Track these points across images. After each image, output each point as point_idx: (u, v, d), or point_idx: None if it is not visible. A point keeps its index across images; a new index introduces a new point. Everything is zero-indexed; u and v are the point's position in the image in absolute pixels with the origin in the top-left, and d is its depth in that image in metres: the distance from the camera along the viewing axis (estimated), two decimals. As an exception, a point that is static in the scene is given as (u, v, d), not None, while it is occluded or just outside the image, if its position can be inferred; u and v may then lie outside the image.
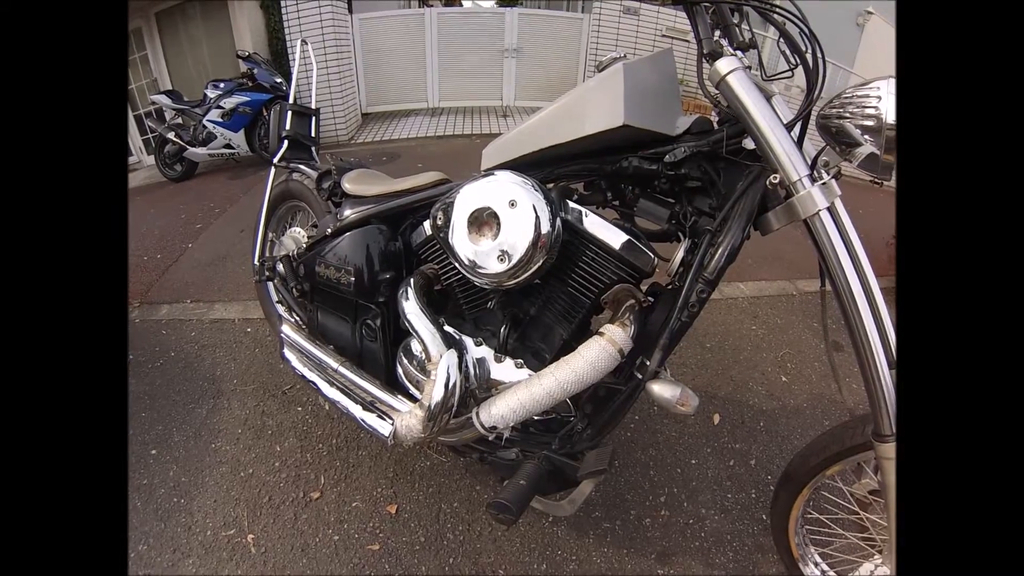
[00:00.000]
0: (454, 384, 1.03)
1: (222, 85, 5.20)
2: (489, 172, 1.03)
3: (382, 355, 1.39)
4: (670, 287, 1.03)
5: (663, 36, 6.13)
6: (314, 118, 2.06)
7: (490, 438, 1.09)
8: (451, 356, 1.04)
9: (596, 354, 0.92)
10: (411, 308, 1.11)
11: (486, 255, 0.97)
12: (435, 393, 1.03)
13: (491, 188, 0.97)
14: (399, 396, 1.25)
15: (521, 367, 1.06)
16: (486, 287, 1.06)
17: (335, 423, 1.96)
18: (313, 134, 2.05)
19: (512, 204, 0.93)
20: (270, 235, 2.11)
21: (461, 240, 1.00)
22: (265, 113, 5.09)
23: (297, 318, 1.73)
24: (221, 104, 5.07)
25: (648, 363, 0.96)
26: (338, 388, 1.36)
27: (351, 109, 6.21)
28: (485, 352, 1.10)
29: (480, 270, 0.99)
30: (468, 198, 0.99)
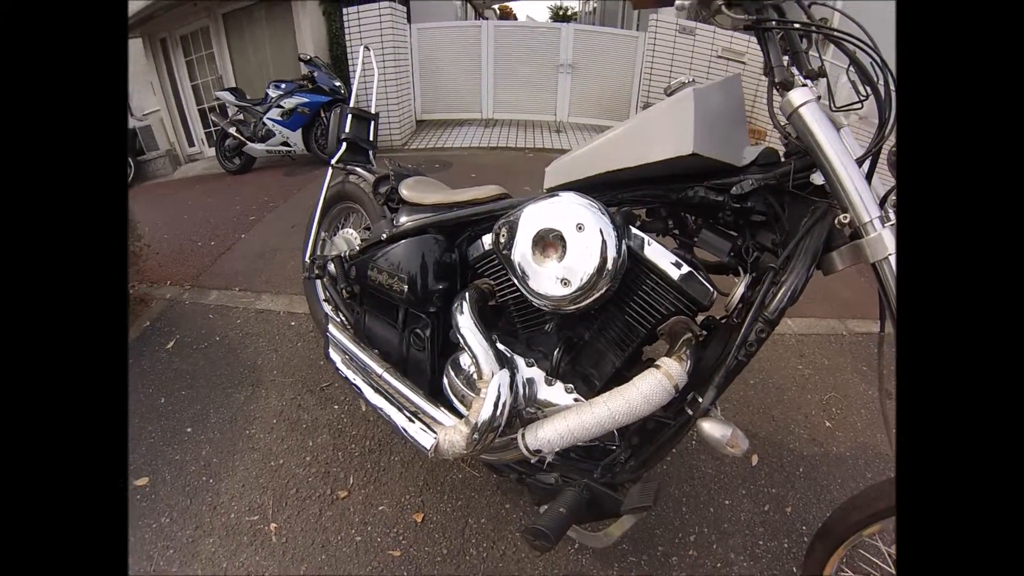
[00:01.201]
0: (504, 404, 1.01)
1: (283, 86, 5.41)
2: (553, 192, 1.01)
3: (428, 365, 1.39)
4: (725, 322, 1.00)
5: (718, 57, 6.04)
6: (373, 122, 2.09)
7: (532, 460, 1.07)
8: (503, 376, 1.02)
9: (651, 387, 0.90)
10: (465, 322, 1.08)
11: (549, 277, 0.95)
12: (483, 411, 1.01)
13: (558, 209, 0.96)
14: (443, 409, 1.23)
15: (571, 392, 1.04)
16: (544, 309, 1.04)
17: (370, 425, 1.97)
18: (371, 138, 2.08)
19: (579, 228, 0.92)
20: (322, 234, 2.15)
21: (524, 260, 0.98)
22: (323, 115, 5.26)
23: (343, 319, 1.75)
24: (281, 104, 5.28)
25: (700, 399, 0.93)
26: (381, 394, 1.36)
27: (406, 115, 6.34)
28: (536, 373, 1.08)
29: (541, 292, 0.97)
30: (534, 217, 0.98)
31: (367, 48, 2.19)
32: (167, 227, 4.41)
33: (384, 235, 1.44)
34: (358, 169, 1.95)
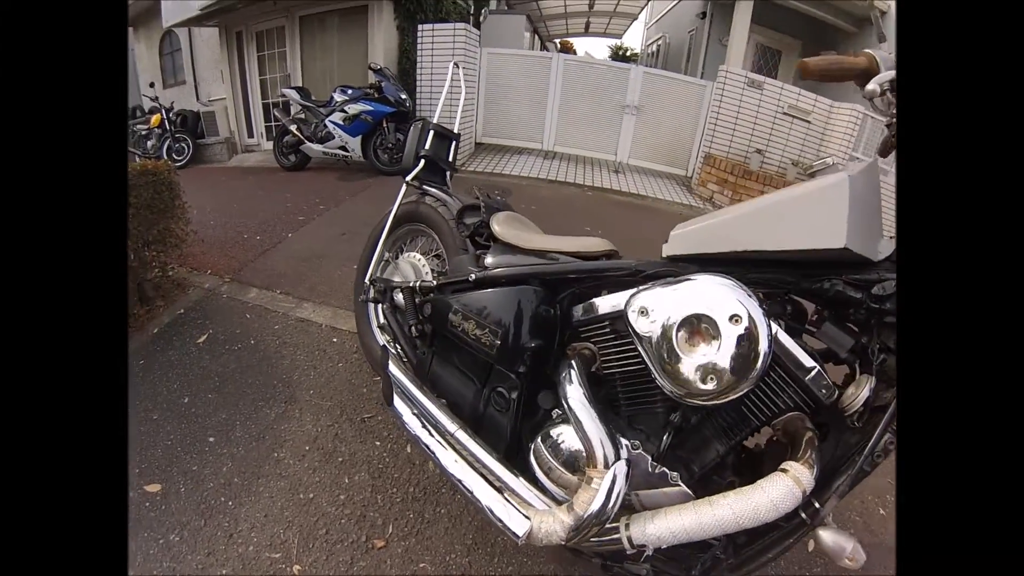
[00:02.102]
0: (618, 497, 0.91)
1: (350, 91, 5.42)
2: (683, 263, 0.99)
3: (509, 430, 1.23)
4: (848, 424, 0.93)
5: (784, 113, 5.93)
6: (454, 143, 1.95)
7: (629, 552, 0.98)
8: (621, 467, 0.93)
9: (780, 494, 0.83)
10: (577, 397, 0.98)
11: (691, 368, 0.88)
12: (594, 503, 0.91)
13: (712, 294, 0.89)
14: (530, 486, 1.09)
15: (676, 482, 0.97)
16: (670, 396, 0.95)
17: (415, 469, 1.75)
18: (451, 159, 1.94)
19: (735, 319, 0.85)
20: (386, 254, 1.97)
21: (666, 344, 0.91)
22: (384, 125, 5.25)
23: (401, 352, 1.56)
24: (345, 108, 5.27)
25: (817, 505, 0.87)
26: (464, 462, 1.17)
27: (467, 136, 6.28)
28: (641, 458, 0.99)
29: (679, 382, 0.89)
30: (685, 300, 0.90)
31: (457, 65, 2.06)
32: (215, 213, 4.33)
33: (472, 276, 1.30)
34: (434, 191, 1.80)
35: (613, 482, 0.91)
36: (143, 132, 7.28)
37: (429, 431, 1.25)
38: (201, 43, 7.95)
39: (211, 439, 1.90)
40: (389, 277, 1.83)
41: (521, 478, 1.11)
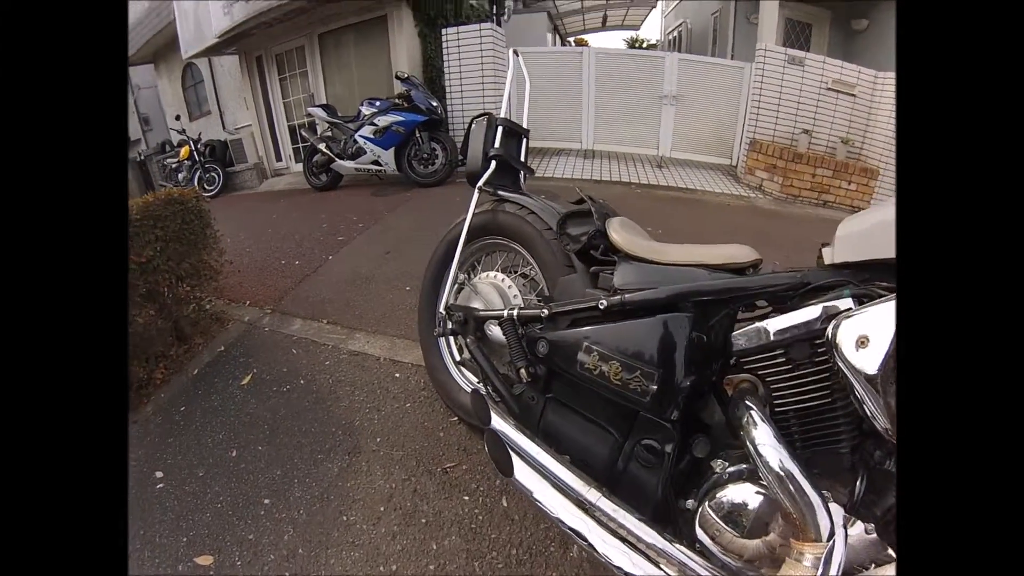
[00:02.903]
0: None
1: (377, 103, 5.21)
2: (856, 271, 0.86)
3: (659, 489, 0.97)
4: None
5: (828, 89, 5.51)
6: (525, 139, 1.66)
7: None
8: (841, 540, 0.76)
9: None
10: (772, 447, 0.80)
11: None
12: None
13: None
14: (698, 559, 0.89)
15: (870, 532, 0.82)
16: (886, 437, 0.79)
17: (515, 526, 1.44)
18: (523, 158, 1.65)
19: None
20: (460, 276, 1.66)
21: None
22: (418, 135, 5.00)
23: (495, 396, 1.26)
24: (375, 121, 5.05)
25: None
26: (615, 538, 0.92)
27: (503, 140, 5.94)
28: (835, 510, 0.81)
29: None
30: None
31: (516, 52, 1.78)
32: (250, 241, 4.14)
33: (602, 302, 1.04)
34: (514, 196, 1.51)
35: (830, 555, 0.74)
36: (173, 165, 7.34)
37: (572, 507, 0.97)
38: (222, 72, 7.95)
39: (266, 501, 1.64)
40: (466, 304, 1.52)
41: (680, 546, 0.91)
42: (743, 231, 3.64)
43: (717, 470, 0.91)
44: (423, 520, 1.49)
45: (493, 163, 1.51)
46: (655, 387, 0.94)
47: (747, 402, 0.87)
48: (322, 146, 5.49)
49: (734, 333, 0.95)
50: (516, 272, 1.56)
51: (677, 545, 0.90)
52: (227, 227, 4.59)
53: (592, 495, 0.97)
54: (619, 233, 1.14)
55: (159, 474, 1.84)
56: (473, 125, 1.59)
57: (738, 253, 1.03)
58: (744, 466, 0.87)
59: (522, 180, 1.66)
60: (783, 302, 0.91)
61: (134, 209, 2.14)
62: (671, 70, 5.88)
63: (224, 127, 8.00)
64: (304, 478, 1.69)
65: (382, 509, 1.54)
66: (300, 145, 7.09)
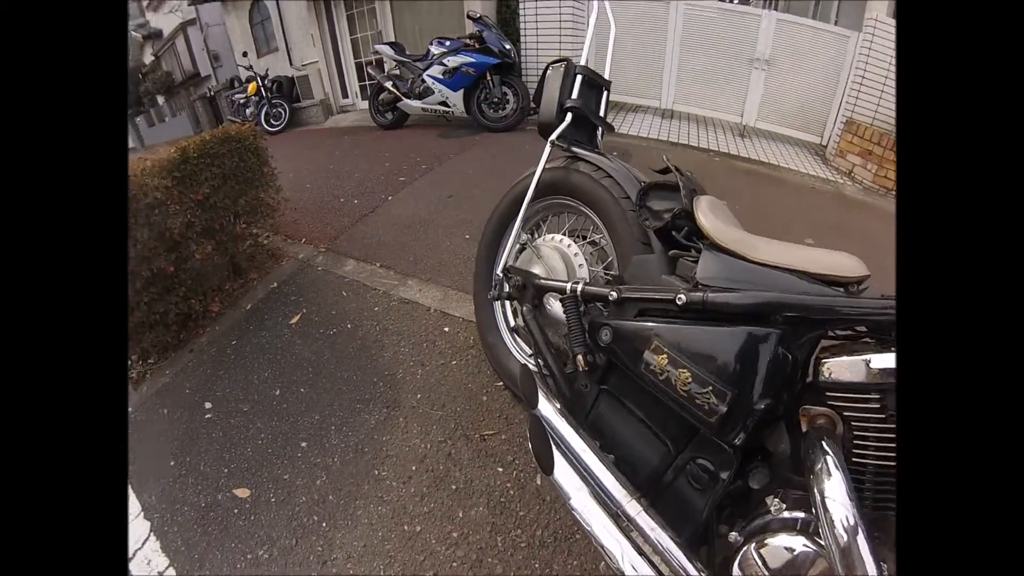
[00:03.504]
0: None
1: (448, 43, 4.99)
2: None
3: (704, 514, 0.87)
4: None
5: None
6: (607, 92, 1.48)
7: None
8: None
9: None
10: (842, 500, 0.67)
11: None
12: None
13: None
14: None
15: None
16: None
17: (544, 507, 1.37)
18: (603, 113, 1.48)
19: None
20: (523, 236, 1.53)
21: None
22: (489, 78, 4.77)
23: (545, 373, 1.15)
24: (444, 61, 4.85)
25: None
26: (644, 560, 0.82)
27: (580, 91, 5.63)
28: None
29: None
30: None
31: None
32: (310, 176, 4.13)
33: (681, 297, 0.89)
34: (591, 155, 1.35)
35: None
36: (241, 101, 7.45)
37: (608, 522, 0.88)
38: (289, 8, 7.86)
39: (304, 444, 1.64)
40: (527, 268, 1.40)
41: None
42: (825, 221, 3.28)
43: (772, 510, 0.79)
44: (453, 486, 1.44)
45: (569, 115, 1.35)
46: (725, 409, 0.80)
47: (824, 444, 0.74)
48: (389, 84, 5.37)
49: (825, 360, 0.80)
50: (584, 239, 1.41)
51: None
52: (289, 163, 4.65)
53: (632, 508, 0.87)
54: (708, 217, 0.98)
55: (208, 404, 1.88)
56: (549, 71, 1.42)
57: (844, 264, 0.86)
58: (802, 515, 0.75)
59: (599, 137, 1.49)
60: (887, 333, 0.77)
61: (191, 147, 2.12)
62: (766, 31, 5.32)
63: (291, 63, 7.98)
64: (341, 426, 1.67)
65: (414, 468, 1.50)
66: (367, 83, 6.98)
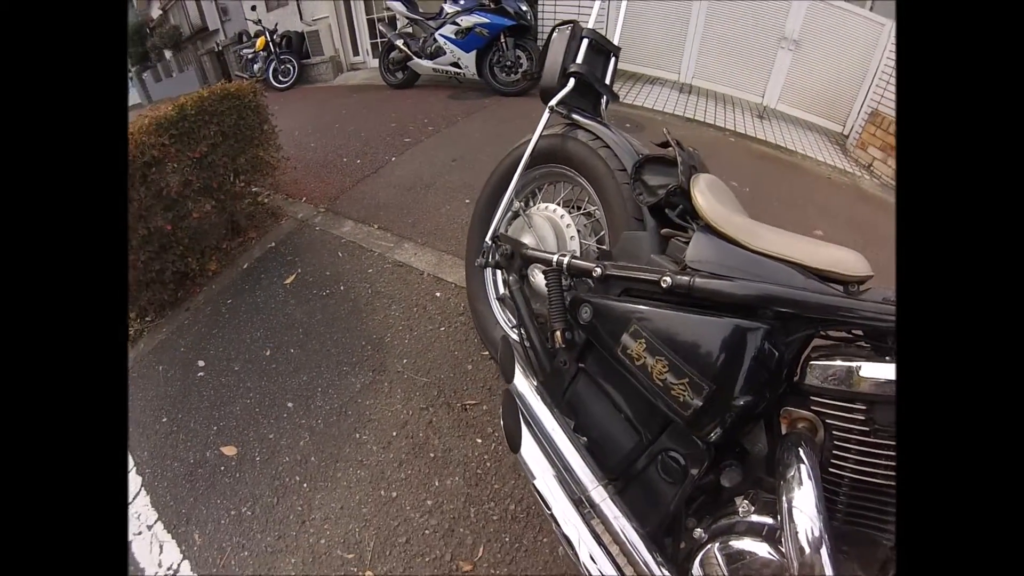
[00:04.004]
0: None
1: (462, 2, 4.81)
2: None
3: (671, 506, 0.85)
4: None
5: None
6: (614, 59, 1.41)
7: None
8: None
9: None
10: (810, 512, 0.64)
11: None
12: None
13: None
14: None
15: None
16: None
17: (519, 482, 1.37)
18: (609, 81, 1.41)
19: None
20: (515, 203, 1.49)
21: None
22: (503, 40, 4.63)
23: (526, 344, 1.13)
24: (457, 21, 4.70)
25: None
26: (602, 551, 0.83)
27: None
28: None
29: None
30: None
31: None
32: (315, 135, 4.07)
33: (666, 280, 0.84)
34: (590, 123, 1.29)
35: None
36: (249, 56, 7.26)
37: (570, 508, 0.87)
38: None
39: (290, 404, 1.66)
40: (517, 237, 1.36)
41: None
42: (837, 213, 3.18)
43: (739, 511, 0.76)
44: (431, 454, 1.45)
45: (572, 81, 1.29)
46: (700, 403, 0.77)
47: (800, 451, 0.70)
48: (400, 42, 5.22)
49: (814, 362, 0.75)
50: (579, 209, 1.37)
51: (664, 569, 0.80)
52: (295, 120, 4.59)
53: (598, 494, 0.85)
54: (704, 196, 0.92)
55: (201, 363, 1.89)
56: (555, 34, 1.36)
57: (847, 261, 0.80)
58: (769, 521, 0.73)
59: (603, 106, 1.43)
60: (884, 340, 0.72)
61: (189, 104, 2.08)
62: (797, 9, 5.05)
63: (301, 18, 7.77)
64: (327, 388, 1.67)
65: (394, 434, 1.51)
66: (378, 40, 6.83)
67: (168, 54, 14.22)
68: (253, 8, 7.76)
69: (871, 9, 5.78)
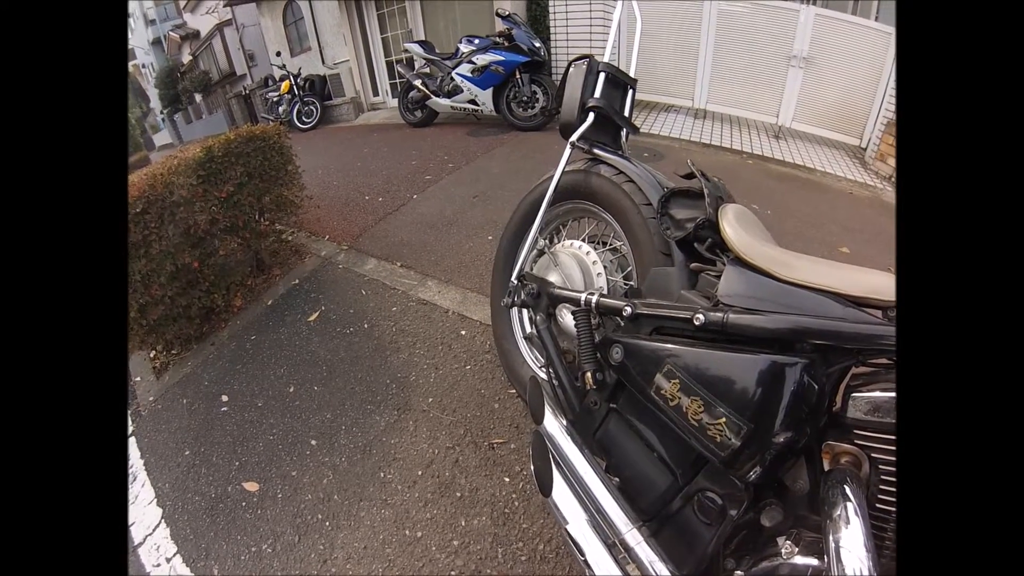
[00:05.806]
0: None
1: (477, 41, 4.97)
2: None
3: (708, 551, 0.80)
4: None
5: None
6: (632, 91, 1.41)
7: None
8: None
9: None
10: (859, 552, 0.59)
11: None
12: None
13: None
14: None
15: None
16: None
17: (548, 522, 1.33)
18: (628, 113, 1.40)
19: None
20: (540, 241, 1.49)
21: None
22: (518, 76, 4.74)
23: (554, 384, 1.11)
24: (473, 59, 4.84)
25: None
26: None
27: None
28: None
29: None
30: None
31: None
32: (338, 174, 4.17)
33: (700, 318, 0.82)
34: (612, 157, 1.28)
35: None
36: (274, 99, 7.62)
37: (605, 554, 0.83)
38: (322, 8, 8.02)
39: (313, 442, 1.65)
40: (543, 275, 1.35)
41: None
42: (862, 228, 3.12)
43: (782, 553, 0.72)
44: (458, 494, 1.41)
45: (591, 116, 1.29)
46: (738, 443, 0.73)
47: (846, 488, 0.67)
48: (418, 82, 5.39)
49: (856, 395, 0.72)
50: (605, 245, 1.36)
51: None
52: (318, 159, 4.73)
53: (632, 538, 0.82)
54: (733, 227, 0.90)
55: (224, 398, 1.90)
56: (571, 69, 1.36)
57: (881, 285, 0.77)
58: (814, 562, 0.69)
59: (623, 139, 1.43)
60: None
61: (216, 146, 2.15)
62: (804, 27, 5.11)
63: (323, 62, 8.14)
64: (351, 426, 1.66)
65: (420, 473, 1.48)
66: (397, 80, 7.07)
67: (198, 97, 14.90)
68: (278, 54, 8.18)
69: (876, 19, 5.79)
